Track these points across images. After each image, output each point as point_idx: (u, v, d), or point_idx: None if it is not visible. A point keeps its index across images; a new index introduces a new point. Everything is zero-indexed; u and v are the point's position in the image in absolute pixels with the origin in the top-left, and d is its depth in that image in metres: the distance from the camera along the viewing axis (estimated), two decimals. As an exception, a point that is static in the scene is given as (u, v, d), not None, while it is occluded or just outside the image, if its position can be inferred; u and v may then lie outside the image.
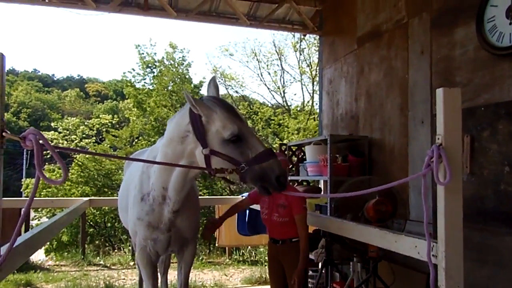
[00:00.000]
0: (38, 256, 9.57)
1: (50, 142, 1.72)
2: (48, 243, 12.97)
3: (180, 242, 3.06)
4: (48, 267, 7.69)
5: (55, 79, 65.46)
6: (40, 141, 1.64)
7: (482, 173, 3.36)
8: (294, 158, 6.26)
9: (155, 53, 18.38)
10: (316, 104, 17.21)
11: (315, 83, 17.51)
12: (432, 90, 4.00)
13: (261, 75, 19.26)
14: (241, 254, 8.40)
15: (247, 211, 5.53)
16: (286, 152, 6.22)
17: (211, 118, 2.42)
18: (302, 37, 16.57)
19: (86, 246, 9.94)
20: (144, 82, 18.64)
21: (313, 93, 18.08)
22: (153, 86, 18.22)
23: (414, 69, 4.33)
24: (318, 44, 7.36)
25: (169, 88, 17.85)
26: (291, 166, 6.13)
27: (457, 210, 1.93)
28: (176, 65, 18.20)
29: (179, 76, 18.02)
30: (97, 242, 14.06)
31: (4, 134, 1.72)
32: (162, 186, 2.74)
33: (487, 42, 3.36)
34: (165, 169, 2.68)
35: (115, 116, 20.92)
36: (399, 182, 2.26)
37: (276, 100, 19.95)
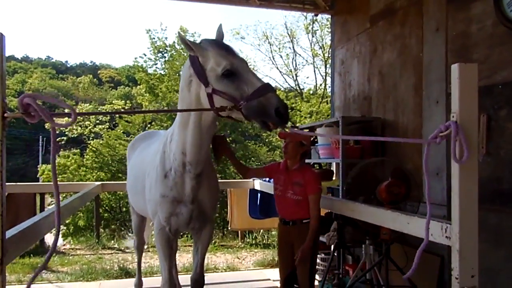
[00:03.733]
0: (55, 240, 9.75)
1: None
2: (65, 227, 13.21)
3: (201, 218, 3.08)
4: (63, 250, 7.83)
5: (68, 65, 65.85)
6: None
7: (499, 153, 3.26)
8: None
9: (166, 38, 18.33)
10: (329, 87, 17.04)
11: (327, 65, 17.29)
12: (447, 69, 3.87)
13: (273, 58, 19.12)
14: (253, 237, 8.43)
15: (259, 195, 5.51)
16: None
17: (206, 57, 2.49)
18: (314, 18, 16.32)
19: (102, 230, 10.09)
20: (156, 67, 18.64)
21: (325, 75, 17.90)
22: (164, 71, 18.20)
23: (429, 47, 4.20)
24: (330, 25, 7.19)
25: (181, 72, 17.80)
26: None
27: (472, 189, 1.86)
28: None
29: (190, 61, 17.94)
30: (112, 226, 14.27)
31: (6, 115, 1.69)
32: (182, 151, 2.80)
33: (506, 17, 3.21)
34: (182, 128, 2.76)
35: (128, 102, 20.96)
36: (406, 140, 2.19)
37: (288, 84, 19.82)
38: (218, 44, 2.56)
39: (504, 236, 3.17)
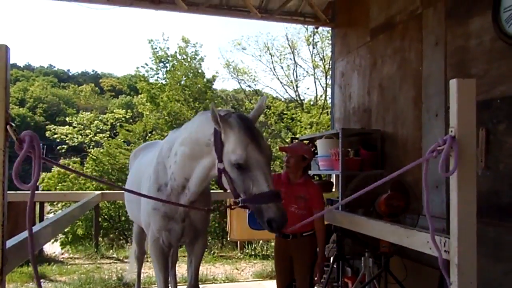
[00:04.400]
0: (53, 248, 9.71)
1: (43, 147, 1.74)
2: (63, 236, 13.16)
3: (192, 233, 3.08)
4: (62, 259, 7.78)
5: (70, 74, 66.21)
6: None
7: (498, 167, 3.27)
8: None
9: (167, 48, 18.41)
10: (329, 98, 17.07)
11: (328, 77, 17.36)
12: (446, 83, 3.90)
13: (274, 69, 19.17)
14: (253, 248, 8.39)
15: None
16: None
17: (227, 137, 2.37)
18: (315, 30, 16.39)
19: (101, 239, 10.03)
20: (157, 77, 18.69)
21: (326, 87, 17.93)
22: (166, 81, 18.25)
23: (428, 61, 4.23)
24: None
25: (182, 82, 17.87)
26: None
27: (471, 203, 1.87)
28: (189, 60, 18.18)
29: (191, 71, 18.02)
30: (111, 235, 14.19)
31: (8, 127, 1.71)
32: (185, 177, 2.75)
33: (504, 32, 3.25)
34: (190, 160, 2.67)
35: (129, 111, 20.99)
36: (404, 170, 2.23)
37: (289, 94, 19.86)
38: (244, 130, 2.36)
39: (503, 250, 3.17)
